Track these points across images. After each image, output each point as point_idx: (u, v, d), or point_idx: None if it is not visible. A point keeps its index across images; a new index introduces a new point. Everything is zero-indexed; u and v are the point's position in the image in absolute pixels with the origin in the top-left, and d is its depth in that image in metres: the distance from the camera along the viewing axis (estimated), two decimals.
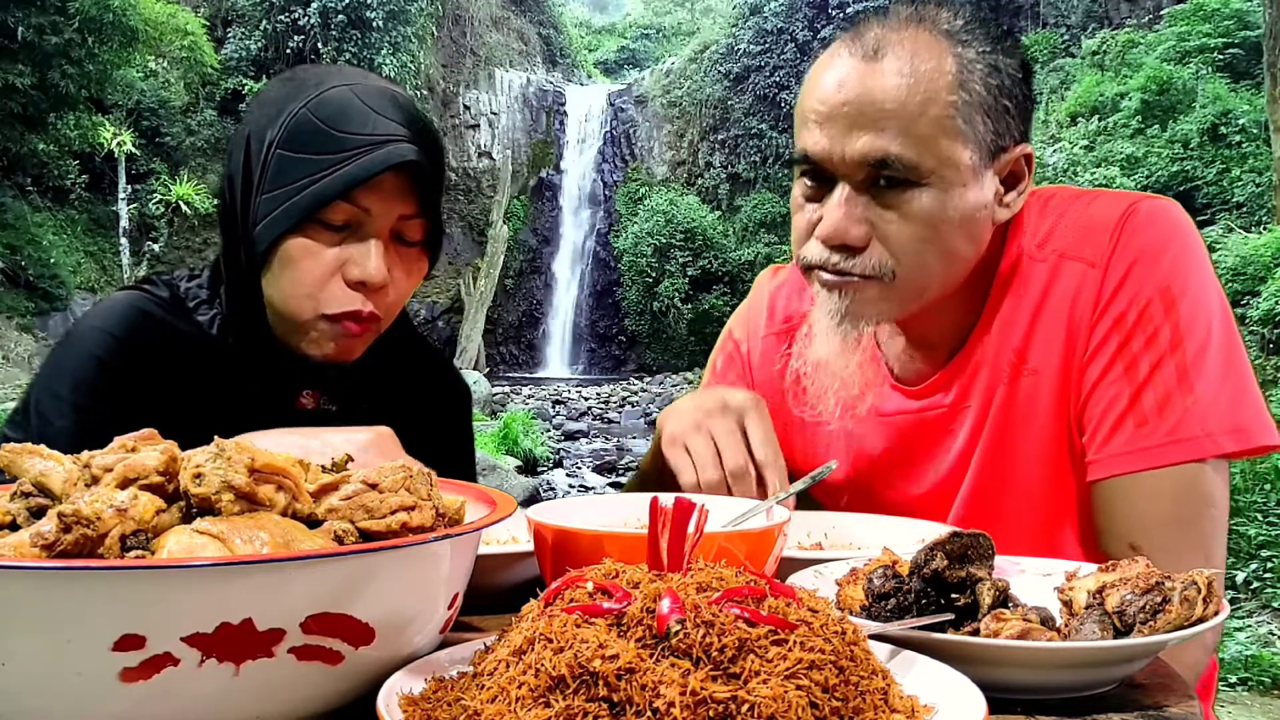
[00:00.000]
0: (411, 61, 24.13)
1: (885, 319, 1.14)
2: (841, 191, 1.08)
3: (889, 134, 1.04)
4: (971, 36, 1.08)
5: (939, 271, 1.10)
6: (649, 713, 0.49)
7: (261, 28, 23.99)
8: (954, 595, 0.77)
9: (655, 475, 1.21)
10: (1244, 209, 12.30)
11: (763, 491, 1.07)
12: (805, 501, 1.25)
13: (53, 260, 18.59)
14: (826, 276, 1.11)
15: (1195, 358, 1.06)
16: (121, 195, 20.19)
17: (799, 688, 0.51)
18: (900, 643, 0.69)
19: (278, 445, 0.93)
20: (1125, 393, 1.07)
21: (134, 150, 19.92)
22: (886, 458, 1.25)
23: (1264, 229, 10.52)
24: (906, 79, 1.05)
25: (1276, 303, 8.50)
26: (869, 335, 1.14)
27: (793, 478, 1.11)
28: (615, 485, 10.89)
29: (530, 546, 0.88)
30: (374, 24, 23.28)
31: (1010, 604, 0.77)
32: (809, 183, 1.12)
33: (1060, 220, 1.16)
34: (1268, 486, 5.71)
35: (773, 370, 1.36)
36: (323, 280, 1.10)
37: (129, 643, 0.52)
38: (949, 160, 1.05)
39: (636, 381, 21.80)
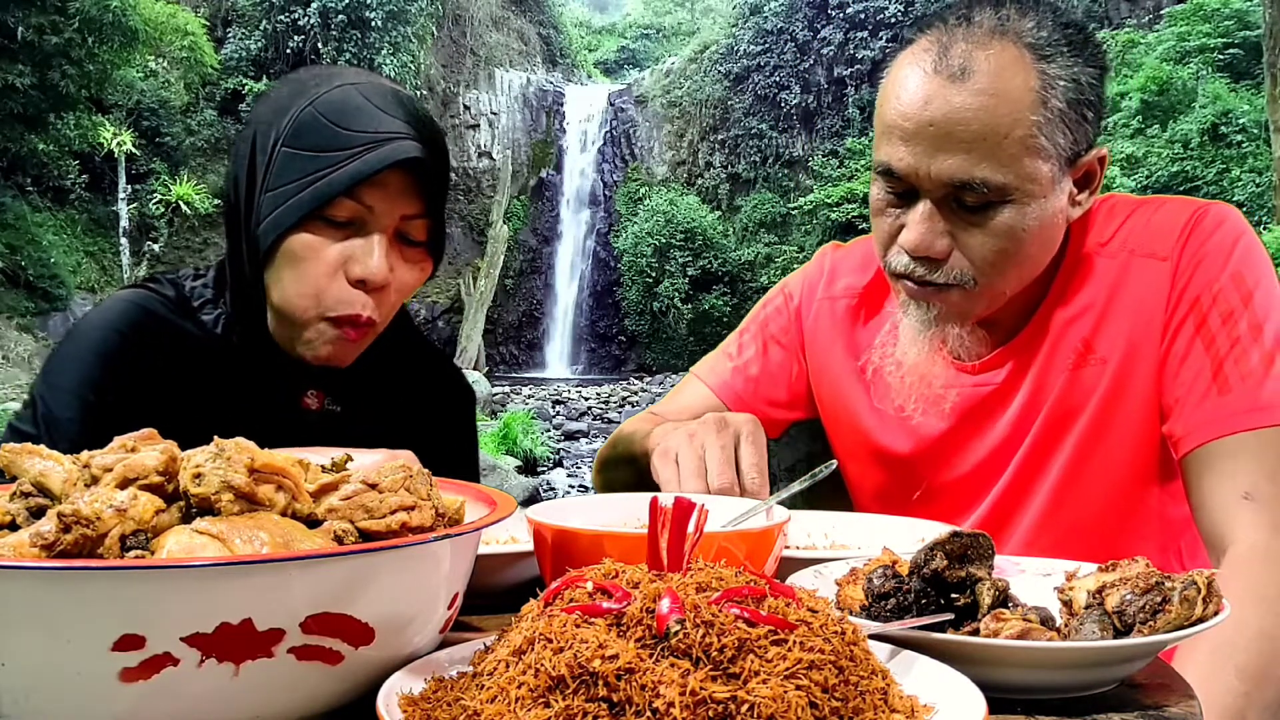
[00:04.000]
0: (411, 61, 24.13)
1: (968, 321, 1.19)
2: (924, 207, 1.12)
3: (974, 157, 1.07)
4: (1055, 50, 1.10)
5: (1018, 276, 1.16)
6: (649, 713, 0.49)
7: (261, 28, 24.00)
8: (954, 595, 0.77)
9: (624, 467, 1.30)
10: (1244, 209, 12.31)
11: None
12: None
13: (53, 260, 18.59)
14: (912, 287, 1.17)
15: (1274, 342, 1.10)
16: (121, 195, 20.19)
17: (799, 688, 0.51)
18: (900, 643, 0.69)
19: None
20: (1207, 367, 1.11)
21: (134, 150, 19.91)
22: (933, 431, 1.28)
23: (1264, 229, 10.52)
24: (991, 101, 1.07)
25: None
26: (953, 335, 1.19)
27: (793, 476, 1.11)
28: None
29: (530, 546, 0.88)
30: (374, 24, 23.28)
31: (1010, 604, 0.77)
32: (889, 191, 1.16)
33: (1126, 221, 1.21)
34: None
35: (822, 332, 1.40)
36: (326, 278, 1.10)
37: (129, 643, 0.52)
38: (1030, 176, 1.09)
39: (636, 381, 21.79)
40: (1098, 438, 1.18)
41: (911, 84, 1.10)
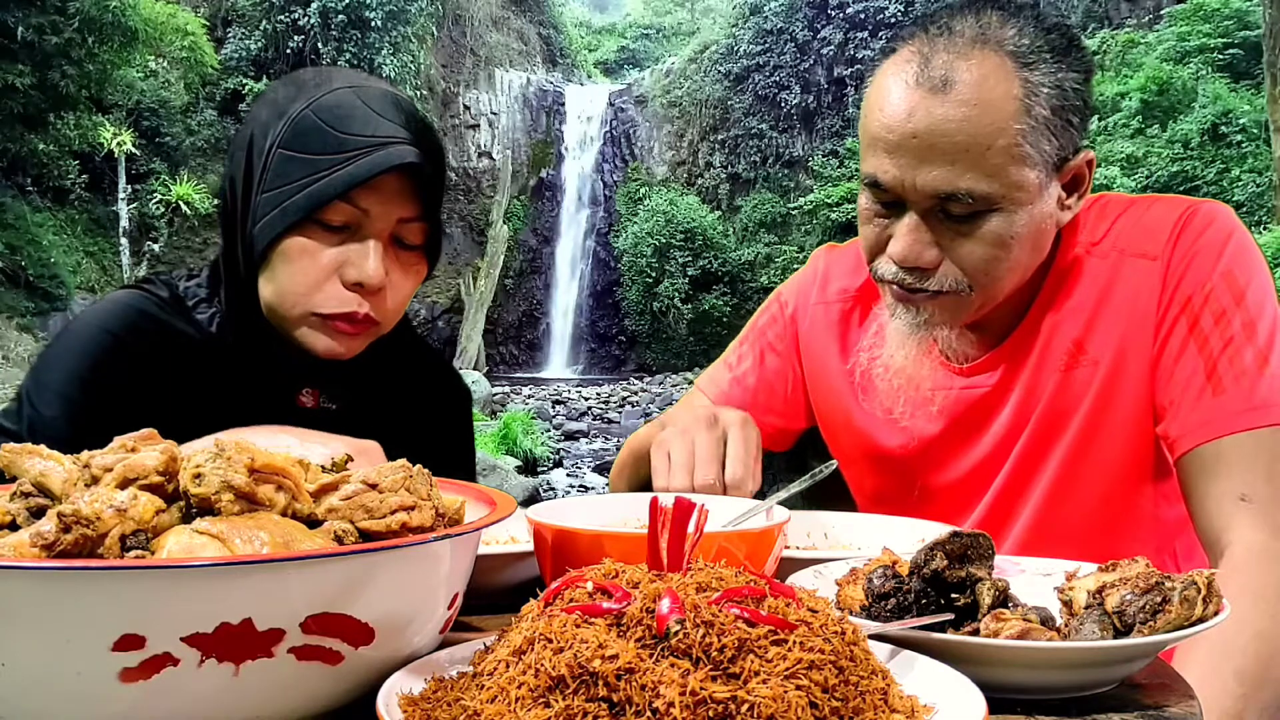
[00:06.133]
0: (411, 61, 24.12)
1: (958, 324, 1.19)
2: (911, 218, 1.12)
3: (959, 168, 1.07)
4: (1037, 56, 1.09)
5: (1009, 282, 1.16)
6: (649, 713, 0.49)
7: (261, 28, 23.99)
8: (954, 595, 0.77)
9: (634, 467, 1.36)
10: (1244, 209, 12.32)
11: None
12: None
13: (53, 260, 18.59)
14: (900, 292, 1.16)
15: (1267, 340, 1.10)
16: (121, 195, 20.18)
17: (799, 688, 0.51)
18: (900, 643, 0.69)
19: (272, 443, 0.93)
20: (1201, 368, 1.11)
21: (134, 150, 19.90)
22: (926, 434, 1.28)
23: (1264, 229, 10.52)
24: (974, 111, 1.06)
25: None
26: (942, 338, 1.19)
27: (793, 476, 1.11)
28: None
29: (530, 546, 0.88)
30: (374, 24, 23.28)
31: (1010, 604, 0.77)
32: (877, 201, 1.16)
33: (1117, 221, 1.21)
34: None
35: (816, 336, 1.41)
36: (319, 280, 1.10)
37: (129, 643, 0.52)
38: (1016, 184, 1.09)
39: (636, 381, 21.79)
40: (1091, 439, 1.18)
41: (894, 96, 1.10)
